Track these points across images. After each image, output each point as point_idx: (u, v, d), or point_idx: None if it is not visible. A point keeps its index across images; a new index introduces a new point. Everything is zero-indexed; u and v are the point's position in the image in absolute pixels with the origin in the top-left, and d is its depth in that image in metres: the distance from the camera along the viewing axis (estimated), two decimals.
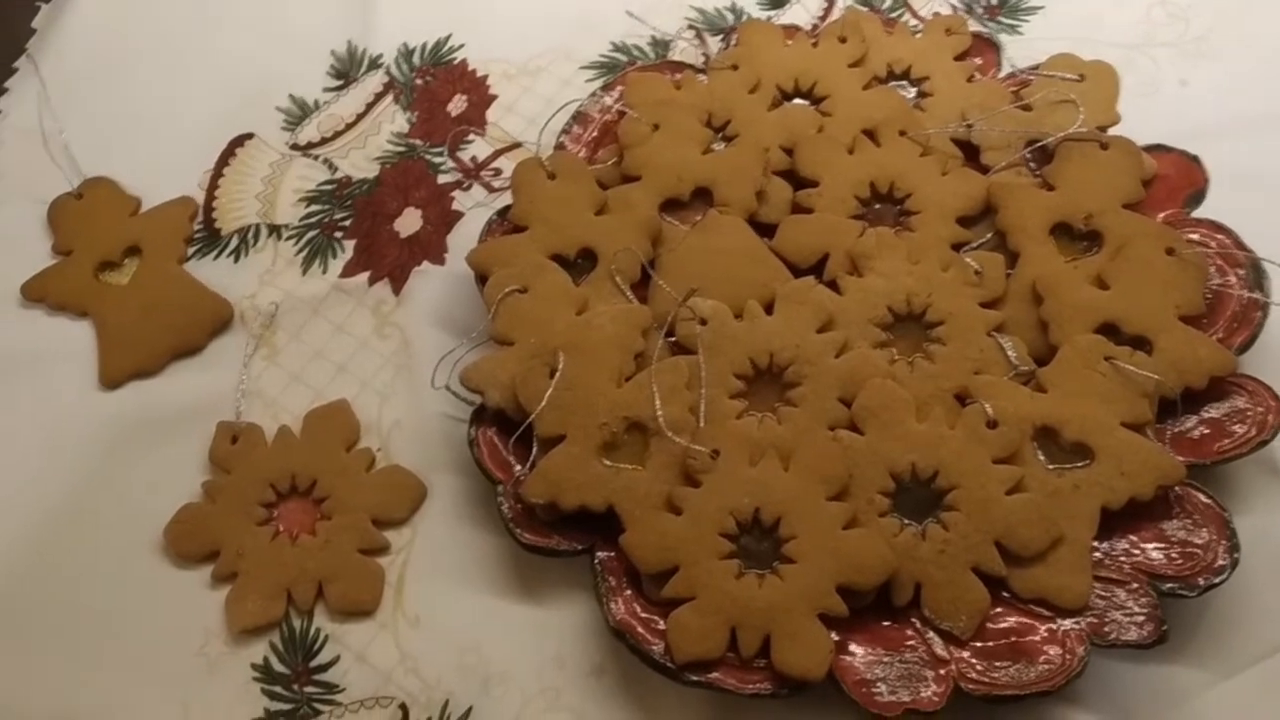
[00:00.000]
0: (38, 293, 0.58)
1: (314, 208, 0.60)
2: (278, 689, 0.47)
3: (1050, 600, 0.43)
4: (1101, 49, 0.57)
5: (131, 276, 0.58)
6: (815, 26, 0.63)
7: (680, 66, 0.59)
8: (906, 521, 0.44)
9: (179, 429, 0.53)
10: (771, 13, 0.65)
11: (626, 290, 0.50)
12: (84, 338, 0.56)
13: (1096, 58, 0.56)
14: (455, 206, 0.59)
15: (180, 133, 0.63)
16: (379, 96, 0.64)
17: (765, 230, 0.53)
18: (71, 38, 0.67)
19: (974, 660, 0.42)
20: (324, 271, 0.58)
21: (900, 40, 0.58)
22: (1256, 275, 0.49)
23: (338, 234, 0.59)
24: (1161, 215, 0.51)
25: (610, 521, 0.45)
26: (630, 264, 0.51)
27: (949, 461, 0.44)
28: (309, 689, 0.47)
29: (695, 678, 0.42)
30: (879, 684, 0.42)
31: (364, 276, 0.57)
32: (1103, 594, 0.43)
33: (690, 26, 0.65)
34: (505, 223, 0.54)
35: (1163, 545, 0.44)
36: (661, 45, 0.64)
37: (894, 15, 0.63)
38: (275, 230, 0.60)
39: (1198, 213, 0.51)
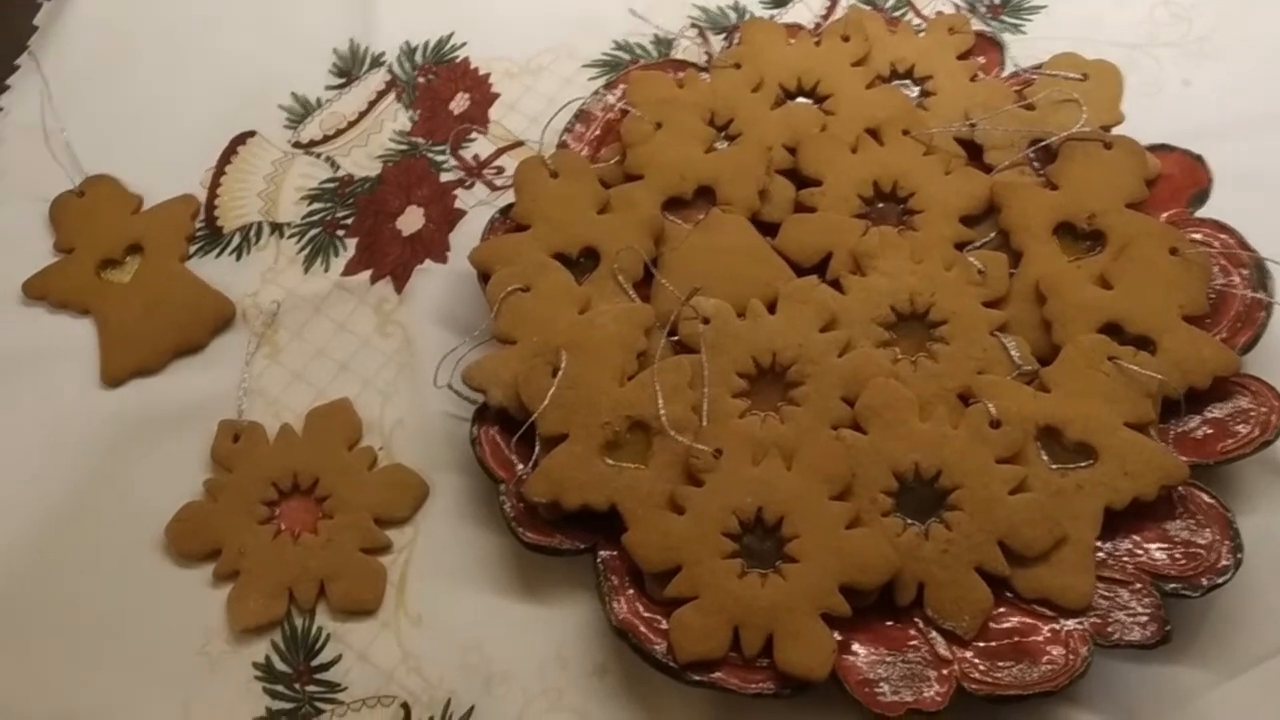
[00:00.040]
0: (39, 291, 0.57)
1: (316, 206, 0.60)
2: (279, 688, 0.47)
3: (1053, 600, 0.43)
4: (1104, 48, 0.57)
5: (133, 274, 0.58)
6: (818, 25, 0.63)
7: (683, 65, 0.59)
8: (909, 521, 0.44)
9: (181, 427, 0.53)
10: (774, 11, 0.65)
11: (629, 289, 0.50)
12: (85, 336, 0.56)
13: (1099, 57, 0.56)
14: (457, 205, 0.59)
15: (182, 130, 0.63)
16: (381, 94, 0.64)
17: (768, 229, 0.52)
18: (74, 35, 0.67)
19: (977, 660, 0.42)
20: (326, 270, 0.58)
21: (903, 39, 0.58)
22: (1260, 275, 0.49)
23: (340, 232, 0.59)
24: (1165, 215, 0.51)
25: (613, 521, 0.45)
26: (633, 263, 0.51)
27: (952, 461, 0.44)
28: (311, 688, 0.47)
29: (698, 677, 0.42)
30: (882, 684, 0.42)
31: (366, 275, 0.57)
32: (1106, 594, 0.43)
33: (693, 25, 0.65)
34: (508, 221, 0.54)
35: (1166, 545, 0.44)
36: (664, 44, 0.64)
37: (897, 14, 0.63)
38: (277, 228, 0.60)
39: (1201, 212, 0.51)
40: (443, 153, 0.61)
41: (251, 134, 0.63)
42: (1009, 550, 0.43)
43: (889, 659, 0.42)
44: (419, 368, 0.53)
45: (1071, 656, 0.41)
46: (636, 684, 0.45)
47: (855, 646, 0.43)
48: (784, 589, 0.42)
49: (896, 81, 0.58)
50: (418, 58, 0.65)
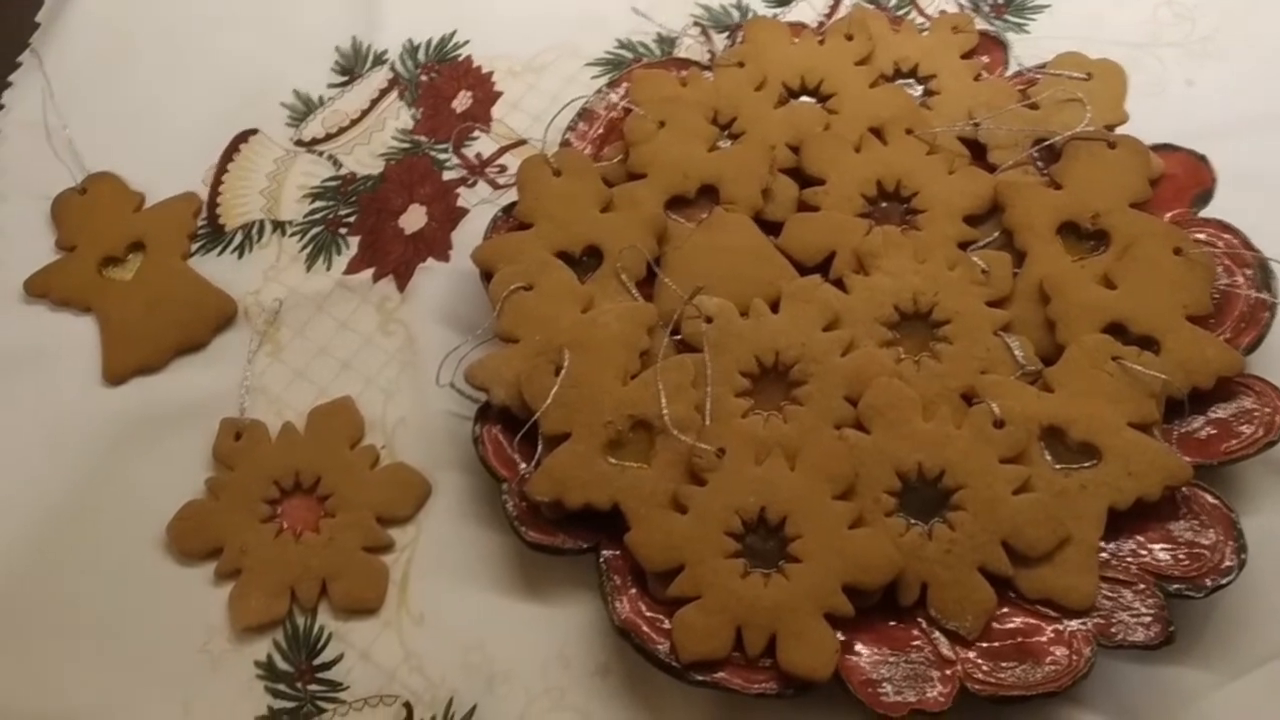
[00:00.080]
0: (41, 288, 0.57)
1: (318, 204, 0.60)
2: (281, 687, 0.47)
3: (1057, 601, 0.43)
4: (1108, 48, 0.57)
5: (135, 272, 0.58)
6: (822, 24, 0.63)
7: (686, 64, 0.59)
8: (913, 521, 0.44)
9: (182, 425, 0.53)
10: (778, 10, 0.65)
11: (632, 288, 0.50)
12: (87, 334, 0.56)
13: (1103, 57, 0.56)
14: (460, 203, 0.59)
15: (184, 128, 0.63)
16: (384, 93, 0.64)
17: (771, 228, 0.52)
18: (76, 32, 0.67)
19: (980, 661, 0.42)
20: (328, 268, 0.58)
21: (907, 38, 0.58)
22: (1264, 275, 0.49)
23: (342, 230, 0.59)
24: (1169, 215, 0.51)
25: (615, 520, 0.45)
26: (636, 261, 0.51)
27: (955, 461, 0.44)
28: (313, 687, 0.47)
29: (701, 677, 0.42)
30: (885, 684, 0.42)
31: (368, 273, 0.57)
32: (1109, 595, 0.43)
33: (696, 23, 0.65)
34: (510, 220, 0.54)
35: (1170, 546, 0.44)
36: (667, 42, 0.64)
37: (901, 13, 0.63)
38: (279, 226, 0.59)
39: (1205, 212, 0.51)
40: (445, 151, 0.61)
41: (254, 132, 0.63)
42: (1012, 550, 0.43)
43: (892, 659, 0.42)
44: (421, 366, 0.53)
45: (1075, 657, 0.41)
46: (639, 684, 0.45)
47: (858, 647, 0.43)
48: (787, 589, 0.42)
49: (900, 80, 0.57)
50: (420, 56, 0.65)
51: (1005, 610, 0.43)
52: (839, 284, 0.50)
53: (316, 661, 0.47)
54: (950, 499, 0.44)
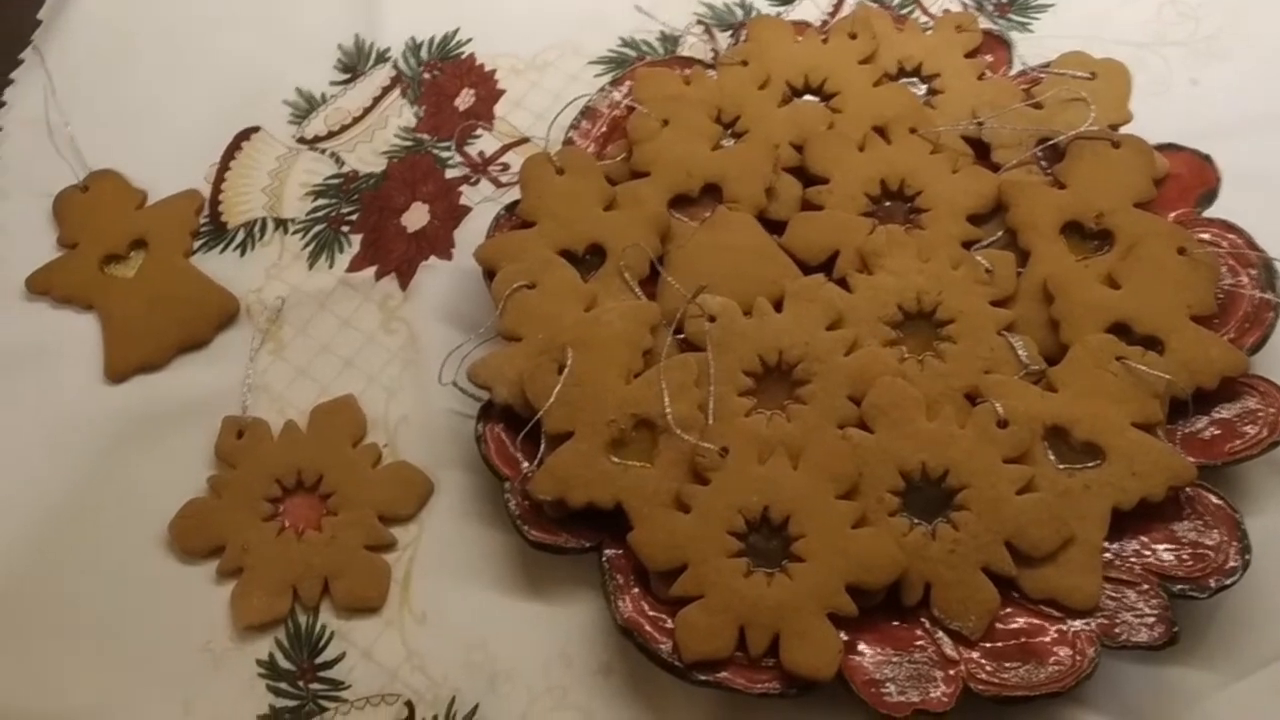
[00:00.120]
0: (43, 285, 0.57)
1: (321, 202, 0.60)
2: (283, 685, 0.47)
3: (1060, 601, 0.43)
4: (1112, 47, 0.57)
5: (137, 270, 0.58)
6: (825, 22, 0.63)
7: (689, 62, 0.59)
8: (916, 521, 0.44)
9: (184, 423, 0.53)
10: (781, 9, 0.65)
11: (635, 286, 0.50)
12: (89, 331, 0.56)
13: (1107, 56, 0.56)
14: (463, 201, 0.59)
15: (186, 125, 0.63)
16: (386, 90, 0.64)
17: (775, 227, 0.52)
18: (78, 29, 0.67)
19: (983, 661, 0.42)
20: (330, 266, 0.58)
21: (911, 37, 0.58)
22: (1268, 275, 0.49)
23: (344, 228, 0.59)
24: (1173, 214, 0.51)
25: (618, 519, 0.45)
26: (639, 260, 0.50)
27: (959, 461, 0.44)
28: (314, 686, 0.47)
29: (703, 677, 0.42)
30: (888, 684, 0.42)
31: (371, 271, 0.57)
32: (1113, 595, 0.43)
33: (699, 22, 0.65)
34: (513, 218, 0.54)
35: (1173, 546, 0.44)
36: (670, 40, 0.64)
37: (904, 12, 0.63)
38: (282, 224, 0.59)
39: (1209, 212, 0.51)
40: (448, 149, 0.61)
41: (256, 129, 0.63)
42: (1016, 550, 0.43)
43: (895, 659, 0.42)
44: (424, 364, 0.53)
45: (1078, 657, 0.41)
46: (641, 683, 0.45)
47: (861, 646, 0.43)
48: (790, 588, 0.42)
49: (904, 79, 0.57)
50: (423, 54, 0.65)
51: (1009, 610, 0.43)
52: (842, 283, 0.50)
53: (318, 660, 0.47)
54: (954, 499, 0.44)
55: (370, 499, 0.50)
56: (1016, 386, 0.46)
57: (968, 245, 0.51)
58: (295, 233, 0.59)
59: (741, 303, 0.49)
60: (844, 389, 0.46)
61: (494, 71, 0.64)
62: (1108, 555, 0.44)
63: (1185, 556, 0.43)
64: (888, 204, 0.53)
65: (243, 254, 0.59)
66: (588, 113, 0.58)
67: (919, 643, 0.43)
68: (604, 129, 0.57)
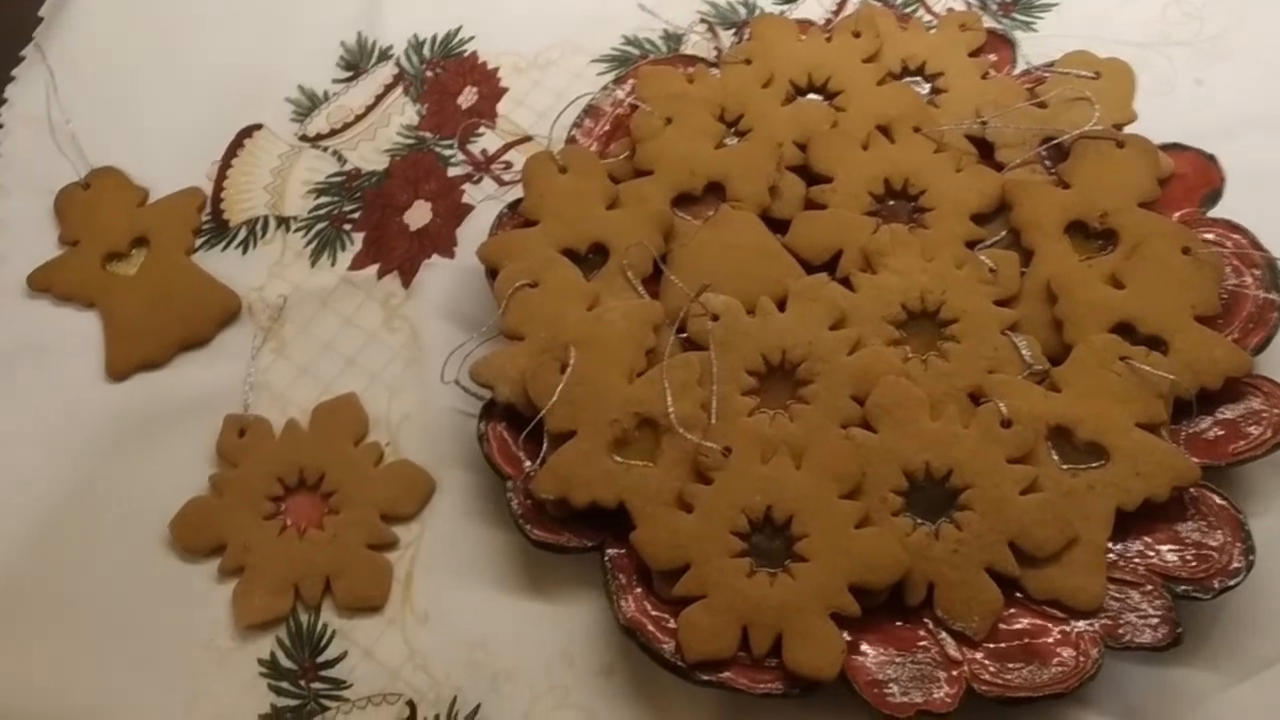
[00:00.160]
0: (44, 283, 0.57)
1: (323, 200, 0.60)
2: (284, 684, 0.47)
3: (1064, 601, 0.43)
4: (1116, 47, 0.57)
5: (139, 267, 0.58)
6: (829, 21, 0.63)
7: (693, 60, 0.59)
8: (919, 521, 0.44)
9: (186, 422, 0.53)
10: (784, 7, 0.65)
11: (638, 285, 0.50)
12: (91, 329, 0.56)
13: (1111, 55, 0.55)
14: (465, 199, 0.59)
15: (188, 123, 0.63)
16: (389, 88, 0.64)
17: (778, 226, 0.52)
18: (79, 26, 0.67)
19: (987, 661, 0.42)
20: (333, 264, 0.58)
21: (914, 36, 0.58)
22: (1273, 275, 0.48)
23: (347, 226, 0.59)
24: (1177, 214, 0.51)
25: (621, 518, 0.45)
26: (642, 259, 0.50)
27: (963, 461, 0.44)
28: (316, 685, 0.46)
29: (706, 677, 0.42)
30: (891, 684, 0.42)
31: (373, 269, 0.57)
32: (1117, 596, 0.43)
33: (703, 20, 0.64)
34: (516, 216, 0.54)
35: (1177, 547, 0.44)
36: (673, 39, 0.64)
37: (908, 11, 0.63)
38: (284, 222, 0.59)
39: (1214, 212, 0.51)
40: (450, 147, 0.61)
41: (258, 127, 0.63)
42: (1020, 551, 0.43)
43: (898, 660, 0.42)
44: (426, 363, 0.53)
45: (1082, 658, 0.41)
46: (644, 683, 0.45)
47: (864, 647, 0.43)
48: (793, 588, 0.42)
49: (907, 78, 0.57)
50: (426, 51, 0.65)
51: (1012, 611, 0.43)
52: (846, 282, 0.50)
53: (320, 659, 0.47)
54: (957, 499, 0.44)
55: (372, 498, 0.50)
56: (1020, 386, 0.46)
57: (971, 245, 0.51)
58: (297, 231, 0.59)
59: (745, 302, 0.49)
60: (847, 388, 0.46)
61: (497, 69, 0.64)
62: (1111, 556, 0.44)
63: (1189, 557, 0.43)
64: (891, 203, 0.53)
65: (244, 252, 0.58)
66: (591, 111, 0.58)
67: (922, 643, 0.43)
68: (607, 127, 0.57)
